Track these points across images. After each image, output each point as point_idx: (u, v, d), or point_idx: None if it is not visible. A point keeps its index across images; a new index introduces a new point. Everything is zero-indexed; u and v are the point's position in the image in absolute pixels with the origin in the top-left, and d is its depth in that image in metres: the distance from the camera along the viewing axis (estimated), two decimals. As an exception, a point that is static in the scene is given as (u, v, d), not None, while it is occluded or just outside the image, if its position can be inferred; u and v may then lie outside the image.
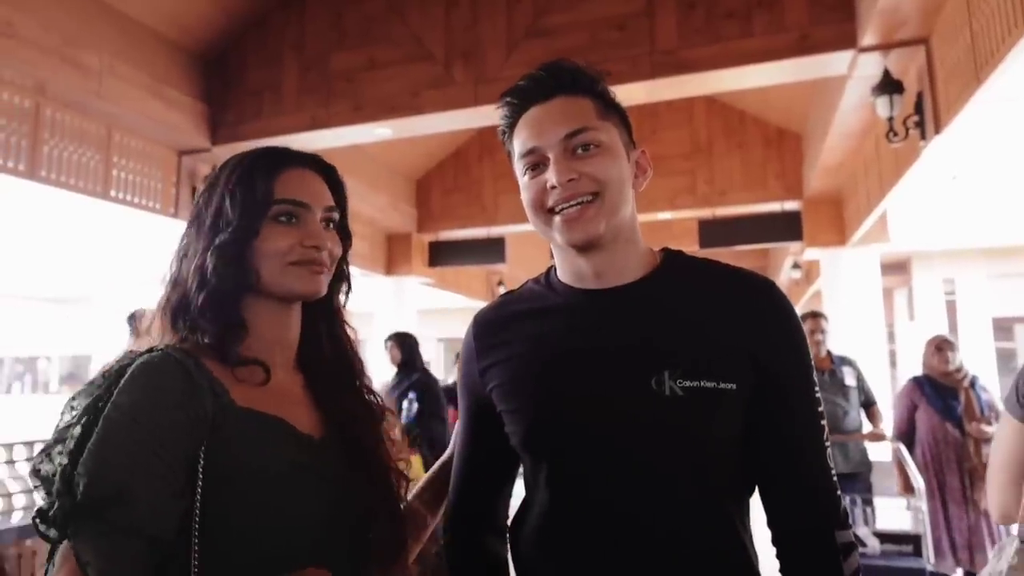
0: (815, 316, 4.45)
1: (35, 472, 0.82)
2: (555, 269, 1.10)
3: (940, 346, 4.19)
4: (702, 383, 0.94)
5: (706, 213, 7.89)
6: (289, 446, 0.91)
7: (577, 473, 0.98)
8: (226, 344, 0.93)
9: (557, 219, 0.98)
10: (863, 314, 7.15)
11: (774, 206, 7.64)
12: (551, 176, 0.97)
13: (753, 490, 1.04)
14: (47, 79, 4.45)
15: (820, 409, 1.00)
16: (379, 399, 1.10)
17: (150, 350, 0.89)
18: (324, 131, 5.42)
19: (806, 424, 0.99)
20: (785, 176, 7.50)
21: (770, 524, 1.01)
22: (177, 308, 0.95)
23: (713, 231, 7.88)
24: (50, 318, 15.17)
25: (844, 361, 4.39)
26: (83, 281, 12.09)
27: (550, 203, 0.98)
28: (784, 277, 11.62)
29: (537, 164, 1.00)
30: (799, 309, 13.52)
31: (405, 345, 5.23)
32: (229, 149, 5.64)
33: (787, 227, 7.65)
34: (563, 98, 1.01)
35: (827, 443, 1.00)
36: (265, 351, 0.98)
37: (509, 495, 1.14)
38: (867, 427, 4.35)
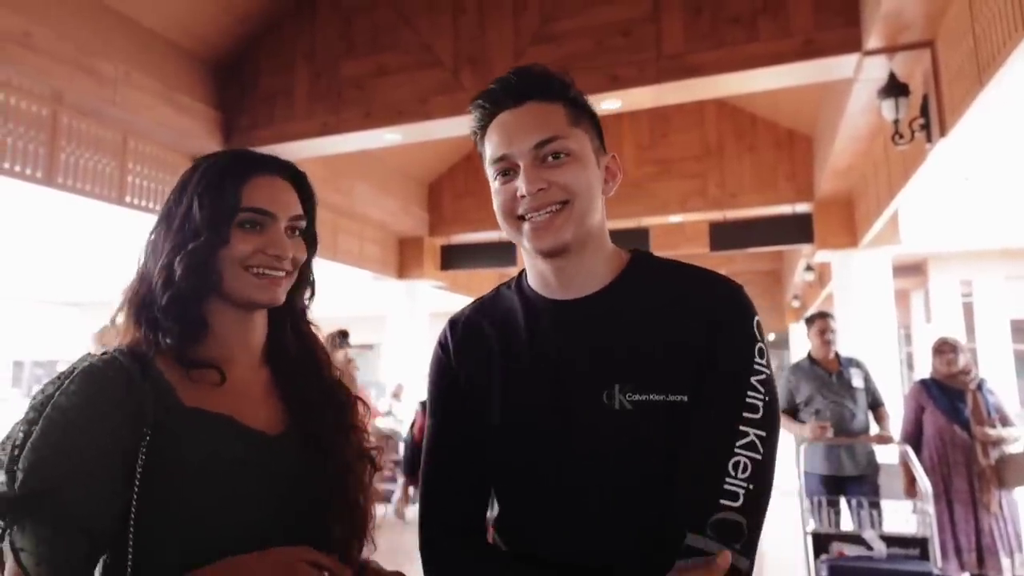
0: (823, 316, 4.43)
1: None
2: (526, 274, 1.12)
3: (940, 348, 4.19)
4: (651, 396, 0.95)
5: (717, 216, 7.89)
6: (234, 443, 0.94)
7: (534, 483, 1.01)
8: (183, 347, 0.96)
9: (526, 226, 1.00)
10: (875, 316, 7.12)
11: (785, 208, 7.63)
12: (521, 185, 0.98)
13: None
14: (64, 88, 4.54)
15: (743, 425, 0.94)
16: (347, 390, 1.14)
17: (104, 354, 0.94)
18: (334, 137, 5.49)
19: (721, 428, 0.94)
20: (796, 178, 7.49)
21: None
22: (142, 304, 0.98)
23: (724, 234, 7.87)
24: (68, 322, 15.37)
25: (852, 363, 4.37)
26: (100, 286, 12.26)
27: (520, 211, 1.00)
28: (797, 279, 11.57)
29: (508, 171, 1.01)
30: (812, 312, 13.48)
31: None
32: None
33: (798, 229, 7.64)
34: (534, 104, 1.01)
35: (739, 454, 0.92)
36: (227, 351, 1.01)
37: (485, 493, 1.11)
38: (875, 429, 4.34)
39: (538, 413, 1.00)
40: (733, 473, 0.91)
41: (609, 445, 0.96)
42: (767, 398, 0.95)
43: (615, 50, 4.78)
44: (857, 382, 4.29)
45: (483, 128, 1.05)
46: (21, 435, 0.85)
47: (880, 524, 3.84)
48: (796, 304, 14.05)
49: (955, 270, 10.71)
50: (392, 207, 8.26)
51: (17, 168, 4.45)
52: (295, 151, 5.82)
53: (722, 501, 0.90)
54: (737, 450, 0.92)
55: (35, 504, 0.81)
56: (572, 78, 1.06)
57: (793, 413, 4.33)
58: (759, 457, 0.92)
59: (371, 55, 5.42)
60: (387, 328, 9.64)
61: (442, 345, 1.14)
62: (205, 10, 5.40)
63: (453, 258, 9.16)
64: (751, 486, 0.91)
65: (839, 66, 4.37)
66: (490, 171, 1.04)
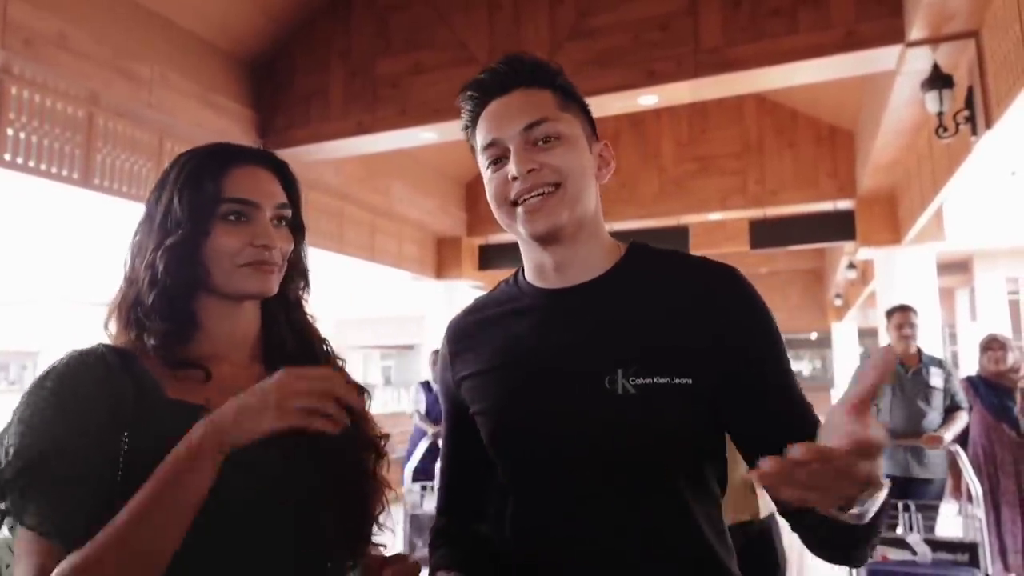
0: (904, 310, 4.24)
1: None
2: (523, 269, 1.12)
3: (988, 345, 4.06)
4: (655, 379, 0.93)
5: (757, 213, 7.77)
6: None
7: (539, 474, 1.01)
8: (169, 347, 0.95)
9: (520, 210, 0.99)
10: (920, 314, 6.91)
11: (827, 205, 7.48)
12: (512, 167, 0.98)
13: (725, 486, 1.04)
14: (100, 90, 4.58)
15: (793, 379, 0.98)
16: (347, 376, 1.10)
17: (89, 347, 0.94)
18: (370, 136, 5.52)
19: (782, 393, 0.97)
20: (838, 174, 7.33)
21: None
22: (131, 306, 0.97)
23: (764, 231, 7.75)
24: (97, 321, 15.70)
25: (934, 361, 4.17)
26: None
27: (512, 195, 0.99)
28: (840, 277, 11.35)
29: (499, 157, 1.01)
30: (855, 311, 13.23)
31: None
32: (277, 155, 5.77)
33: (840, 226, 7.49)
34: (523, 91, 1.01)
35: (808, 404, 0.98)
36: (217, 347, 1.00)
37: (495, 486, 1.15)
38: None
39: (538, 404, 0.99)
40: (815, 420, 0.94)
41: (614, 431, 0.95)
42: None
43: (652, 44, 4.72)
44: (936, 381, 4.06)
45: (473, 121, 1.05)
46: (11, 421, 0.86)
47: (931, 529, 3.68)
48: (839, 302, 13.79)
49: (1002, 267, 10.39)
50: (430, 207, 8.28)
51: (53, 169, 4.47)
52: (331, 151, 5.87)
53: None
54: (806, 402, 0.97)
55: (26, 474, 0.81)
56: (560, 66, 1.06)
57: None
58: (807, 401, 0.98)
59: (406, 53, 5.43)
60: (426, 328, 9.65)
61: (445, 342, 1.16)
62: (241, 10, 5.45)
63: (491, 258, 9.13)
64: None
65: (881, 58, 4.25)
66: (481, 160, 1.04)
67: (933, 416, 4.00)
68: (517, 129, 0.99)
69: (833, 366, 17.82)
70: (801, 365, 22.65)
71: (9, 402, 0.94)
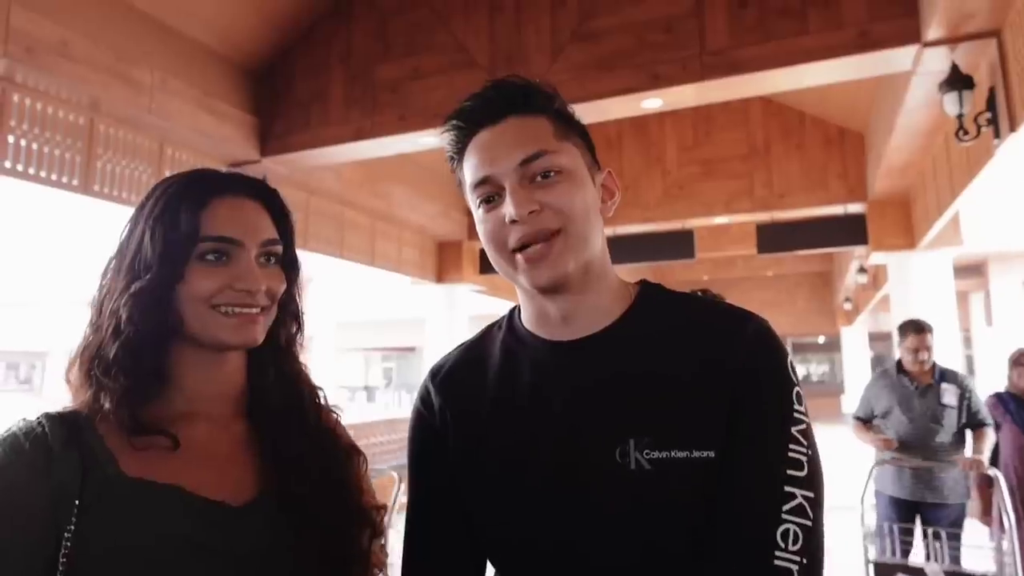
0: (919, 332, 3.90)
1: None
2: (519, 311, 0.98)
3: (1018, 360, 3.91)
4: (673, 453, 0.80)
5: (764, 217, 7.65)
6: (184, 520, 0.80)
7: (538, 558, 0.86)
8: (130, 407, 0.82)
9: (520, 259, 0.87)
10: (935, 321, 6.71)
11: (836, 209, 7.37)
12: (509, 209, 0.85)
13: None
14: (101, 96, 4.54)
15: (788, 486, 0.79)
16: (342, 438, 0.99)
17: (30, 420, 0.81)
18: (369, 141, 5.40)
19: (763, 487, 0.79)
20: (848, 177, 7.20)
21: None
22: (93, 357, 0.85)
23: (772, 235, 7.67)
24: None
25: (947, 376, 3.89)
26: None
27: (512, 243, 0.86)
28: (849, 282, 11.20)
29: (492, 196, 0.88)
30: (865, 315, 13.08)
31: None
32: (277, 160, 5.71)
33: (851, 230, 7.37)
34: (515, 118, 0.89)
35: (788, 521, 0.77)
36: (192, 404, 0.88)
37: (480, 571, 0.97)
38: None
39: (540, 476, 0.85)
40: (783, 545, 0.76)
41: (625, 513, 0.81)
42: (810, 452, 0.81)
43: (656, 47, 4.60)
44: (949, 399, 3.78)
45: (460, 152, 0.92)
46: None
47: (952, 558, 3.46)
48: (848, 307, 13.65)
49: (1017, 270, 10.25)
50: (431, 211, 8.20)
51: (54, 176, 4.46)
52: (331, 156, 5.78)
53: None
54: (785, 516, 0.77)
55: None
56: (556, 88, 0.93)
57: (870, 423, 3.96)
58: (809, 523, 0.78)
59: (406, 57, 5.33)
60: (426, 332, 9.62)
61: (424, 401, 0.99)
62: (241, 16, 5.36)
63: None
64: (804, 560, 0.76)
65: (896, 59, 4.11)
66: (471, 198, 0.91)
67: (945, 437, 3.75)
68: (512, 165, 0.86)
69: (842, 370, 17.67)
70: (809, 369, 22.47)
71: (20, 401, 0.81)
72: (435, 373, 1.00)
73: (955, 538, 3.39)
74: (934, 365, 3.96)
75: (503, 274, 0.91)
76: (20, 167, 4.24)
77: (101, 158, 4.75)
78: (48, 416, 0.81)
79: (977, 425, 3.80)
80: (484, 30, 5.12)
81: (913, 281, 6.99)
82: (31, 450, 0.77)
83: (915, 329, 3.95)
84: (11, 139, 4.20)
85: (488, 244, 0.89)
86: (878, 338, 16.81)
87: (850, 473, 4.79)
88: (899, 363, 4.02)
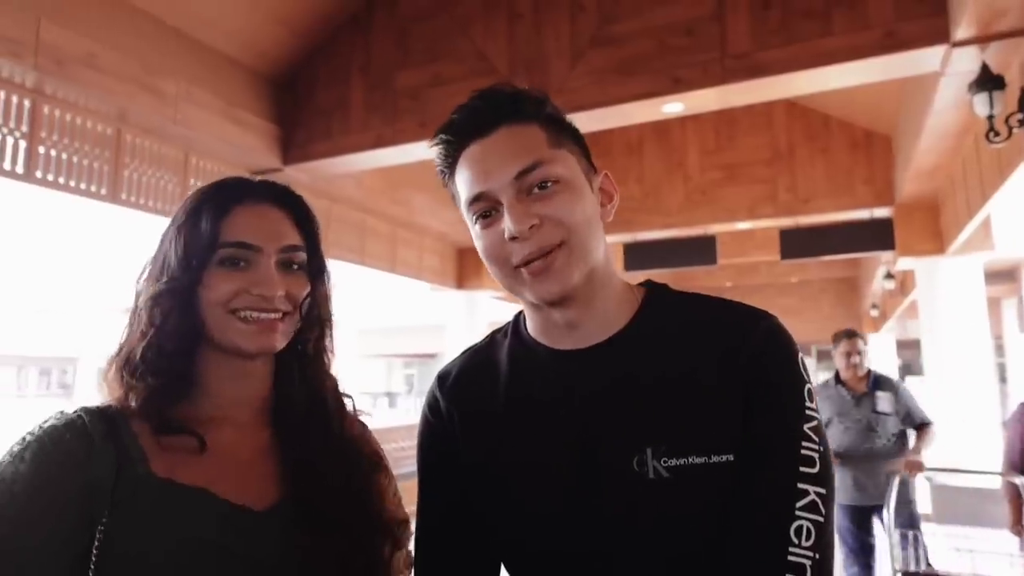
0: (850, 337, 4.28)
1: None
2: (524, 319, 0.97)
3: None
4: (690, 459, 0.79)
5: (788, 222, 7.56)
6: (208, 522, 0.80)
7: (555, 569, 0.85)
8: (157, 406, 0.83)
9: (524, 273, 0.85)
10: (966, 327, 6.60)
11: (862, 213, 7.25)
12: (509, 225, 0.83)
13: None
14: (127, 106, 4.62)
15: (801, 483, 0.79)
16: (369, 447, 0.99)
17: (71, 412, 0.82)
18: (390, 149, 5.42)
19: (778, 488, 0.79)
20: (874, 181, 7.09)
21: None
22: (124, 358, 0.87)
23: (796, 241, 7.58)
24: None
25: (880, 384, 4.16)
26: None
27: (515, 260, 0.85)
28: (876, 288, 11.04)
29: (488, 211, 0.86)
30: (893, 321, 12.86)
31: None
32: (299, 169, 5.75)
33: (877, 235, 7.25)
34: (507, 128, 0.86)
35: (801, 517, 0.77)
36: (219, 409, 0.89)
37: None
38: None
39: (561, 487, 0.84)
40: (796, 541, 0.76)
41: (644, 521, 0.79)
42: (821, 448, 0.81)
43: (677, 50, 4.56)
44: (883, 406, 4.06)
45: (451, 166, 0.90)
46: None
47: (923, 560, 3.56)
48: (875, 313, 13.43)
49: (1051, 275, 10.03)
50: (451, 218, 8.21)
51: (83, 186, 4.55)
52: (352, 163, 5.80)
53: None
54: (799, 513, 0.78)
55: None
56: (546, 94, 0.91)
57: None
58: (821, 519, 0.78)
59: (426, 65, 5.34)
60: (446, 338, 9.65)
61: (431, 408, 0.97)
62: (264, 25, 5.42)
63: (512, 268, 9.06)
64: (817, 555, 0.76)
65: (924, 59, 4.03)
66: (467, 214, 0.89)
67: (884, 442, 4.00)
68: (507, 178, 0.84)
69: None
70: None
71: (52, 406, 0.84)
72: (442, 379, 0.99)
73: (909, 536, 3.53)
74: (868, 372, 4.23)
75: (507, 288, 0.89)
76: (51, 177, 4.35)
77: (128, 167, 4.84)
78: (87, 410, 0.83)
79: (920, 426, 4.07)
80: (503, 36, 5.12)
81: (942, 287, 6.83)
82: (72, 440, 0.78)
83: (846, 335, 4.31)
84: (42, 150, 4.30)
85: (488, 260, 0.88)
86: (905, 346, 16.54)
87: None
88: (836, 374, 4.31)
